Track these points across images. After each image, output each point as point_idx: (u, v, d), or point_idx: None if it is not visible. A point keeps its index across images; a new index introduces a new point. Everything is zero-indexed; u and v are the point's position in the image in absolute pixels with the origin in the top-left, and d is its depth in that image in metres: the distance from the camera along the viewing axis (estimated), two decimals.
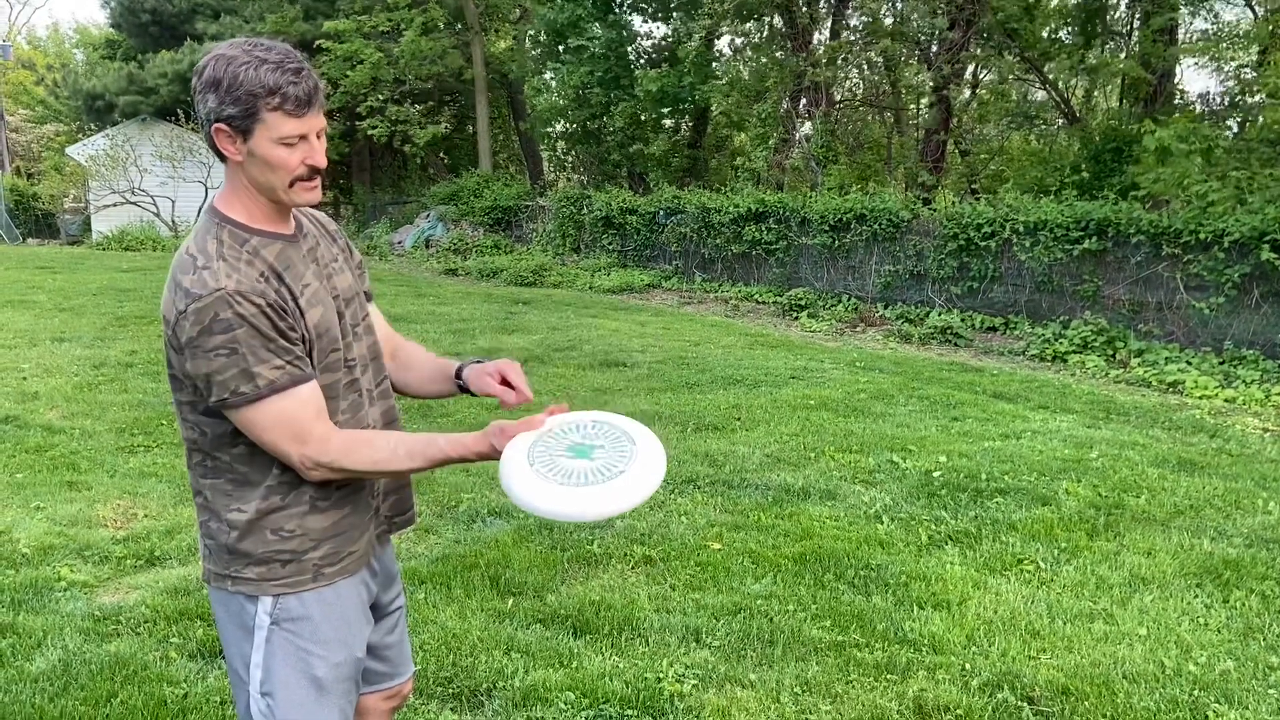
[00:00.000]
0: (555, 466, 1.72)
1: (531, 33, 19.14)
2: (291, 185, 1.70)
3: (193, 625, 3.45)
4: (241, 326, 1.62)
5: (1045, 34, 14.91)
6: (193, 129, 22.15)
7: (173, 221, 22.94)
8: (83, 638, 3.37)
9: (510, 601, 3.67)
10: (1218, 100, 15.00)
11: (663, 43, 19.08)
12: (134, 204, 22.67)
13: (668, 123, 18.74)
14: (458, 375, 2.06)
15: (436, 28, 20.77)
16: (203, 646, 3.31)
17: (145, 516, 4.58)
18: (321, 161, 1.71)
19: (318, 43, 20.52)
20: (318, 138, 1.70)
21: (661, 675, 3.13)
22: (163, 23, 25.71)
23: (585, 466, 1.72)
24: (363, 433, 1.80)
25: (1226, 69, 14.21)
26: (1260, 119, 10.46)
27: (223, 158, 1.72)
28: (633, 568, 4.00)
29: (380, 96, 20.83)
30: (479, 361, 2.06)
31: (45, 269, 15.94)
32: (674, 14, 18.06)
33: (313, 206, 1.85)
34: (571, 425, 1.82)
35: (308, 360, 1.73)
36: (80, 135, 27.52)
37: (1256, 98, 12.98)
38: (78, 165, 24.05)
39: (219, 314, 1.61)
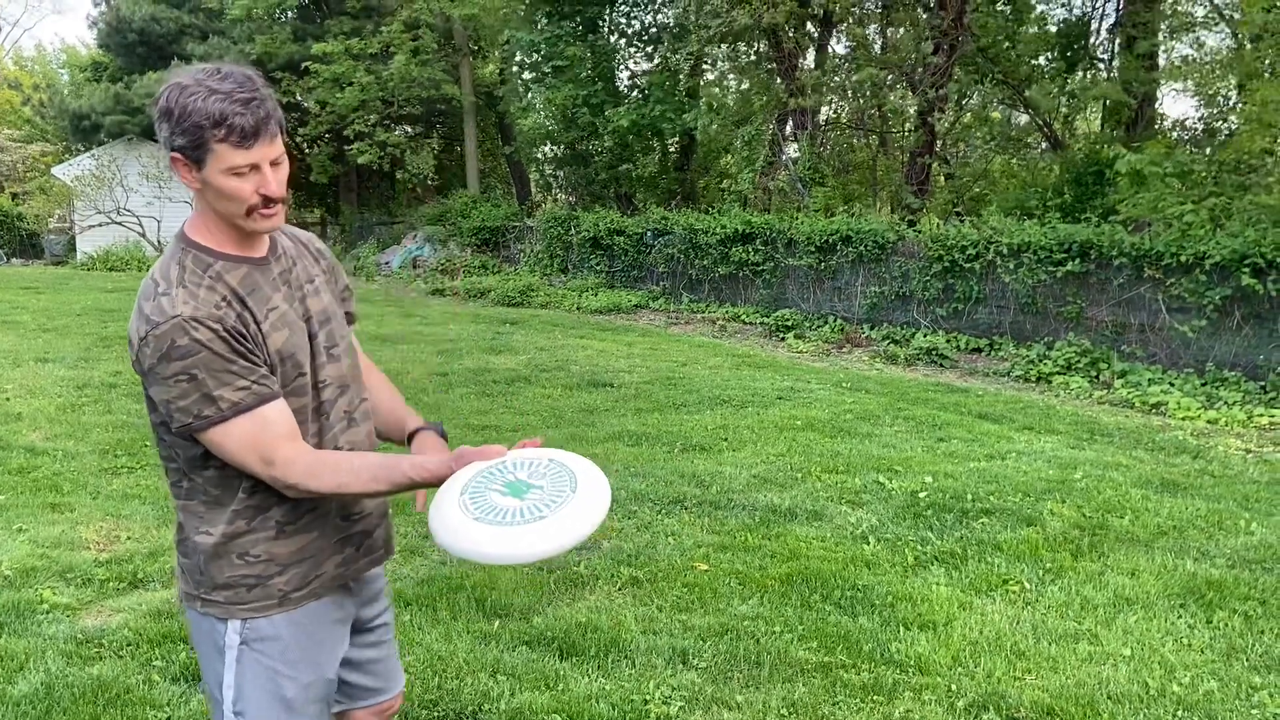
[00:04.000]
0: (482, 501, 1.62)
1: (519, 57, 19.22)
2: (249, 214, 1.70)
3: (176, 649, 3.43)
4: (200, 352, 1.62)
5: (1027, 59, 15.11)
6: None
7: (158, 242, 22.87)
8: (65, 661, 3.34)
9: (496, 623, 3.66)
10: (1197, 126, 15.21)
11: (646, 63, 19.21)
12: (119, 224, 22.59)
13: (655, 145, 18.84)
14: (410, 436, 2.06)
15: (427, 52, 20.83)
16: (186, 670, 3.28)
17: (128, 539, 4.55)
18: (274, 191, 1.69)
19: (306, 64, 20.56)
20: (272, 166, 1.69)
21: (648, 697, 3.13)
22: (150, 43, 25.70)
23: (511, 505, 1.61)
24: (329, 454, 1.79)
25: (1205, 95, 14.41)
26: (1232, 143, 10.60)
27: None
28: (619, 589, 4.00)
29: (369, 120, 20.86)
30: (440, 432, 2.05)
31: (29, 289, 15.86)
32: (661, 42, 18.19)
33: (279, 229, 1.84)
34: (524, 461, 1.73)
35: (274, 379, 1.72)
36: (66, 155, 27.44)
37: (1231, 122, 13.15)
38: (63, 185, 23.97)
39: (176, 340, 1.61)
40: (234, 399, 1.65)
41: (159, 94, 1.66)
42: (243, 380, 1.65)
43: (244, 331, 1.68)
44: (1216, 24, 15.03)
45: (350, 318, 2.02)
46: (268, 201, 1.69)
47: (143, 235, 22.83)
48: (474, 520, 1.58)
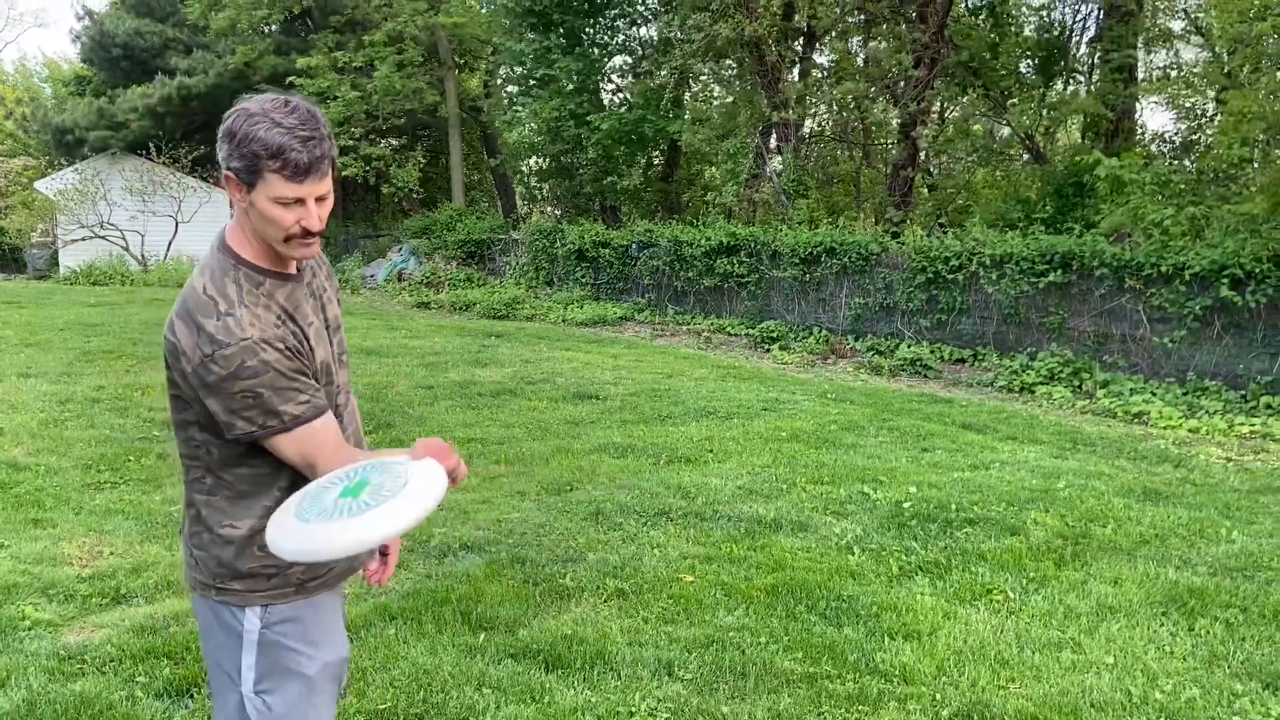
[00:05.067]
0: (316, 502, 1.70)
1: (504, 70, 19.25)
2: (286, 240, 1.81)
3: (159, 664, 3.41)
4: (267, 372, 1.75)
5: (1008, 72, 15.23)
6: (163, 163, 22.04)
7: (142, 256, 22.75)
8: (47, 677, 3.32)
9: (482, 636, 3.66)
10: (1175, 138, 15.37)
11: (633, 78, 19.28)
12: (102, 238, 22.47)
13: (640, 157, 18.90)
14: None
15: (412, 64, 20.84)
16: (169, 685, 3.26)
17: (111, 554, 4.52)
18: (315, 225, 1.81)
19: (290, 79, 20.53)
20: (317, 201, 1.80)
21: (634, 709, 3.13)
22: (134, 57, 25.62)
23: (343, 504, 1.67)
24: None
25: (1187, 106, 14.57)
26: (1210, 153, 10.73)
27: None
28: (605, 601, 4.00)
29: (354, 134, 20.85)
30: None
31: (11, 304, 15.74)
32: (646, 55, 18.26)
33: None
34: (388, 463, 1.78)
35: (322, 392, 1.87)
36: (49, 169, 27.29)
37: (1209, 134, 13.30)
38: (46, 199, 23.82)
39: (245, 361, 1.74)
40: (295, 413, 1.80)
41: (227, 115, 1.78)
42: (303, 395, 1.80)
43: (300, 348, 1.83)
44: (1194, 36, 15.20)
45: None
46: (306, 233, 1.81)
47: (126, 249, 22.69)
48: (294, 520, 1.67)
